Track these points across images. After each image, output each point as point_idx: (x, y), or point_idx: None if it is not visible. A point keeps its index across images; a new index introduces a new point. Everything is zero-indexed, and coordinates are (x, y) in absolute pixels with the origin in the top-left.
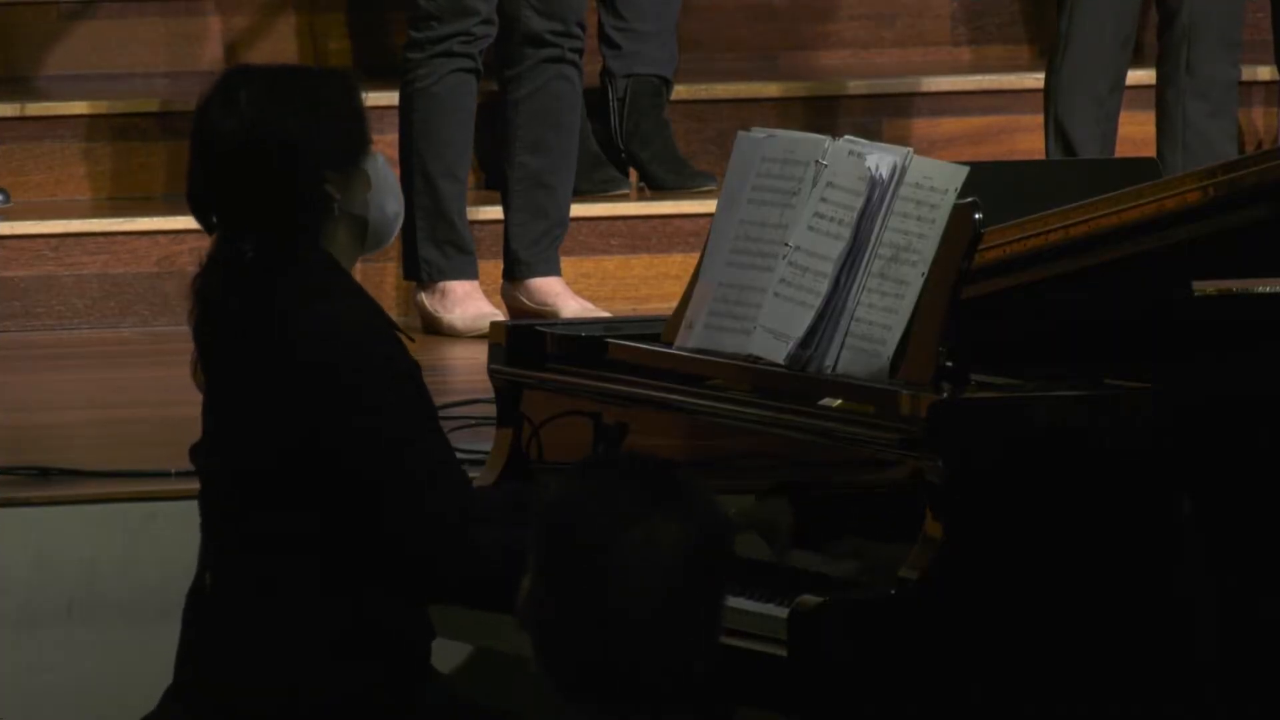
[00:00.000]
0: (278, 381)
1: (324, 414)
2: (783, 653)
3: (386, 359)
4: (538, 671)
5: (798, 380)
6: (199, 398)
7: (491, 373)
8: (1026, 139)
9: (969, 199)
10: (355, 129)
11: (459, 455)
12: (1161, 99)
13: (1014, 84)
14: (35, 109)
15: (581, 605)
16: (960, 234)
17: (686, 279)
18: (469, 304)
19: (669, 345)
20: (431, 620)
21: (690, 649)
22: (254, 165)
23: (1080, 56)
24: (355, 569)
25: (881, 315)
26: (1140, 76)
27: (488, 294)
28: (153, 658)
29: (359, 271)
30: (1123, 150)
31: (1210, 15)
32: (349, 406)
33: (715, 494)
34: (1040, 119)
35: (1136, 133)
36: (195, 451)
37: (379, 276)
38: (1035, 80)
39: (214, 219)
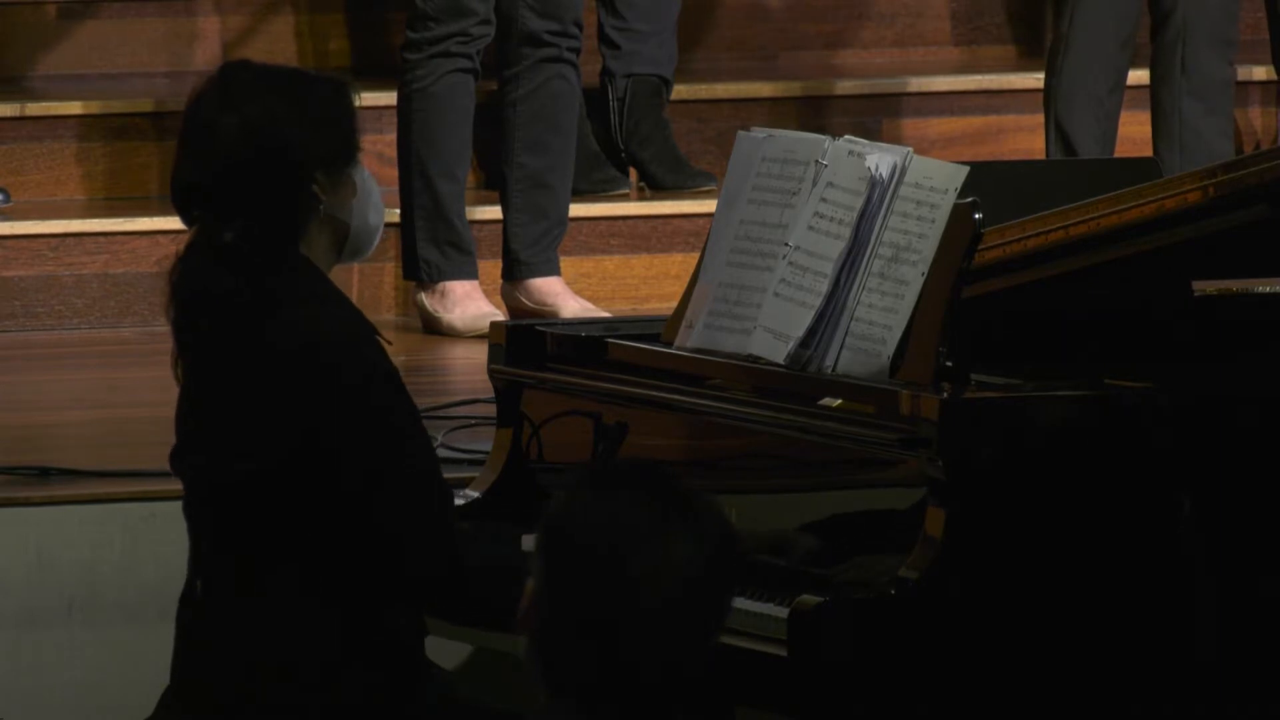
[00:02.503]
0: (265, 385)
1: (317, 416)
2: (783, 653)
3: (375, 362)
4: (533, 677)
5: (798, 380)
6: None
7: (491, 373)
8: (1026, 139)
9: (969, 199)
10: (348, 134)
11: (459, 455)
12: (1157, 98)
13: (1013, 84)
14: (35, 109)
15: (588, 615)
16: (960, 234)
17: (686, 279)
18: (469, 304)
19: (669, 345)
20: (424, 619)
21: (694, 654)
22: (248, 159)
23: (1081, 58)
24: (346, 571)
25: (881, 315)
26: (1140, 76)
27: (488, 294)
28: (152, 658)
29: (357, 271)
30: (1123, 150)
31: (1205, 14)
32: (345, 409)
33: (720, 503)
34: (1040, 119)
35: (1136, 133)
36: (175, 456)
37: (378, 276)
38: (1034, 80)
39: (195, 212)
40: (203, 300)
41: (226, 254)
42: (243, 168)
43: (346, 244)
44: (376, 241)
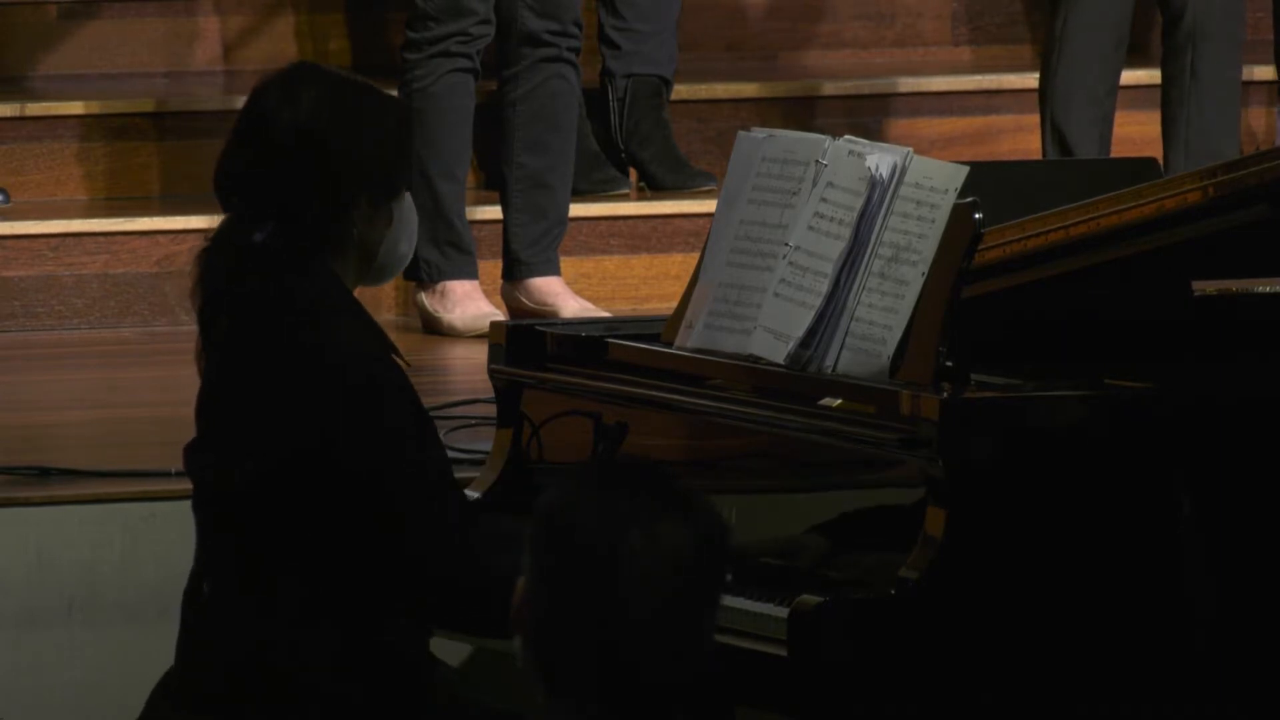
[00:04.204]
0: (273, 386)
1: (322, 420)
2: (783, 653)
3: (382, 370)
4: (528, 673)
5: (798, 380)
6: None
7: (491, 373)
8: (1026, 139)
9: (969, 199)
10: (400, 166)
11: (459, 455)
12: (1166, 100)
13: (1014, 84)
14: (35, 109)
15: (581, 608)
16: (960, 234)
17: (686, 279)
18: (469, 304)
19: (669, 345)
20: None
21: (688, 649)
22: (295, 163)
23: (1076, 59)
24: (350, 574)
25: (881, 315)
26: (1140, 76)
27: (488, 294)
28: (152, 658)
29: None
30: (1122, 150)
31: (1214, 17)
32: (350, 413)
33: (711, 499)
34: (1039, 119)
35: (1136, 133)
36: (189, 451)
37: None
38: (1033, 80)
39: (233, 201)
40: (224, 297)
41: (252, 253)
42: (287, 167)
43: (371, 269)
44: (402, 269)
